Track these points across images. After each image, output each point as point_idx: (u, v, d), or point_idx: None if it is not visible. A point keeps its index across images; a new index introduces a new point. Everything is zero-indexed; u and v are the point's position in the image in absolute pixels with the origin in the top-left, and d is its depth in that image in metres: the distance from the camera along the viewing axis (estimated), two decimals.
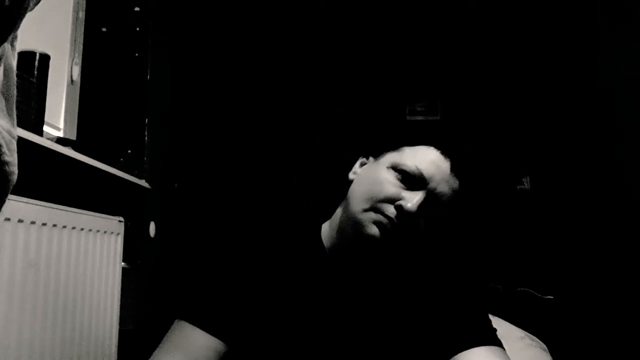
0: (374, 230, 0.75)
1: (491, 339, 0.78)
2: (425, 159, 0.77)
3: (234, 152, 2.46)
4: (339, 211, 0.85)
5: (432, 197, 0.76)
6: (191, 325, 0.74)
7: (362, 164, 0.87)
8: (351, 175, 0.85)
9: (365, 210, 0.76)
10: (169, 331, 0.77)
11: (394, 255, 0.81)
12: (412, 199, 0.74)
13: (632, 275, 2.07)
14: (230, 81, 2.51)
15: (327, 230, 0.86)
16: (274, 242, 0.84)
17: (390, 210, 0.75)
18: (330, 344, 0.76)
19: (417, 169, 0.76)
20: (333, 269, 0.81)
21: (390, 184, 0.76)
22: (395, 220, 0.74)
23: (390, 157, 0.80)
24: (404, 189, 0.76)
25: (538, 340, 1.63)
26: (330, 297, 0.79)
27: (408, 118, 2.42)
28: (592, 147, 2.28)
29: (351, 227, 0.78)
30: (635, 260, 2.08)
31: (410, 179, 0.76)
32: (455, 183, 0.77)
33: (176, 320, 0.77)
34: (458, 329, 0.78)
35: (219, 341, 0.74)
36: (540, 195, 2.30)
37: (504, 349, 0.78)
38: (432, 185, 0.76)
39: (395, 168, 0.78)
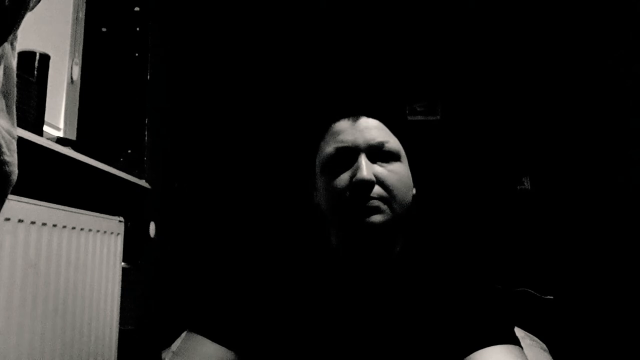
0: (365, 223, 0.73)
1: (507, 338, 0.77)
2: (336, 133, 0.76)
3: (233, 152, 2.46)
4: (329, 225, 0.83)
5: (371, 150, 0.75)
6: (201, 337, 0.74)
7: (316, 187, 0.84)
8: (317, 200, 0.83)
9: (345, 221, 0.75)
10: (180, 343, 0.77)
11: (400, 229, 0.79)
12: (357, 170, 0.73)
13: (632, 275, 2.07)
14: (230, 81, 2.51)
15: (330, 237, 0.84)
16: (281, 249, 0.83)
17: (354, 197, 0.73)
18: (343, 350, 0.75)
19: (334, 148, 0.75)
20: (342, 276, 0.80)
21: (335, 181, 0.75)
22: (365, 198, 0.72)
23: (318, 163, 0.79)
24: (346, 171, 0.74)
25: (538, 340, 1.63)
26: (341, 304, 0.78)
27: (409, 118, 2.42)
28: (592, 147, 2.28)
29: (347, 239, 0.77)
30: (635, 261, 2.08)
31: (340, 160, 0.75)
32: (373, 121, 0.76)
33: (186, 332, 0.77)
34: (472, 329, 0.76)
35: (230, 352, 0.74)
36: (541, 195, 2.30)
37: (521, 347, 0.77)
38: (357, 141, 0.75)
39: (324, 168, 0.76)
